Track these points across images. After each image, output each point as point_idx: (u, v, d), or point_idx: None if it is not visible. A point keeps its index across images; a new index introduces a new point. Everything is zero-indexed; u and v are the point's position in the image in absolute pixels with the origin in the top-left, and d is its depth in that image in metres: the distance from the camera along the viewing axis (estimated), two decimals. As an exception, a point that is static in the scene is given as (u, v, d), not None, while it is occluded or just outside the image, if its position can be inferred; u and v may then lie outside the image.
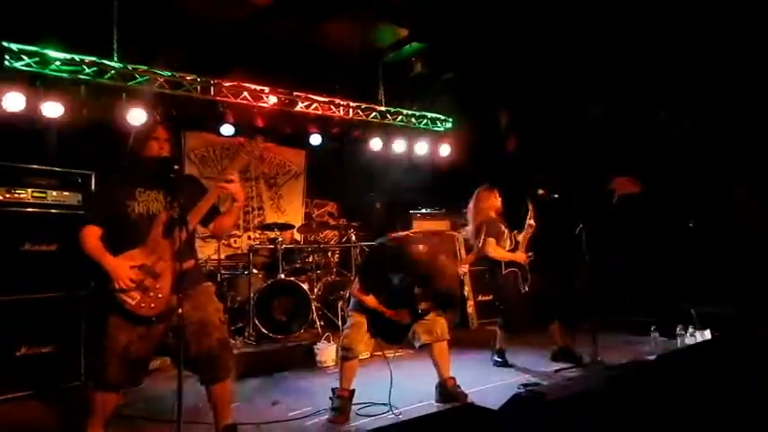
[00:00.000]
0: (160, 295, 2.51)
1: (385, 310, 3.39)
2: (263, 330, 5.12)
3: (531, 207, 4.49)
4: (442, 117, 7.45)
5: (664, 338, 4.79)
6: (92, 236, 2.57)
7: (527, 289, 4.39)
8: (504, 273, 4.42)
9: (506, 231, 4.52)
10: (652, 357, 3.90)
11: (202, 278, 2.82)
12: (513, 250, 4.47)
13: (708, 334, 4.51)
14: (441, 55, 6.69)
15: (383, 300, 3.41)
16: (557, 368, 4.28)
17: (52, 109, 4.87)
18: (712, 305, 4.81)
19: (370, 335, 3.40)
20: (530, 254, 4.52)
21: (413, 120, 7.21)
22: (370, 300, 3.39)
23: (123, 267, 2.48)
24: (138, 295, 2.48)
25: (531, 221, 4.49)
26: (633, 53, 5.61)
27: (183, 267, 2.50)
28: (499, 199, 4.62)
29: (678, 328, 4.64)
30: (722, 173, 5.29)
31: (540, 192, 4.46)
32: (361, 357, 3.41)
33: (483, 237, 4.41)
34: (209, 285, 2.82)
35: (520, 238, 4.51)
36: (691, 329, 4.59)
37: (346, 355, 3.34)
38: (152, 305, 2.49)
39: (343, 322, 5.43)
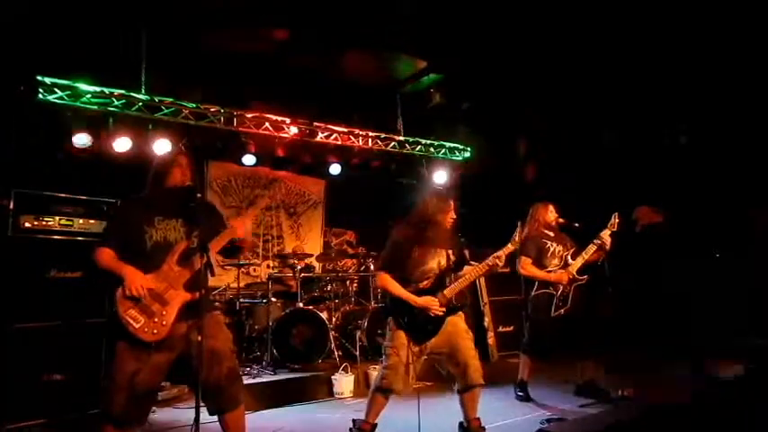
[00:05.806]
0: (164, 322, 2.50)
1: (415, 300, 3.17)
2: (281, 359, 5.09)
3: (612, 222, 4.07)
4: (461, 146, 7.47)
5: (696, 373, 4.61)
6: (106, 254, 2.60)
7: (562, 312, 4.09)
8: (534, 293, 4.19)
9: (555, 247, 4.25)
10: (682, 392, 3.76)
11: (212, 307, 2.83)
12: (561, 269, 4.15)
13: (741, 368, 4.33)
14: (459, 85, 6.76)
15: (412, 289, 3.21)
16: (581, 403, 4.13)
17: (81, 139, 5.02)
18: (745, 337, 4.64)
19: (405, 336, 3.18)
20: (581, 277, 4.13)
21: (431, 149, 7.25)
22: (397, 288, 3.20)
23: (139, 276, 2.50)
24: (142, 319, 2.47)
25: (600, 240, 4.04)
26: (653, 78, 5.59)
27: (195, 296, 2.53)
28: (553, 213, 4.37)
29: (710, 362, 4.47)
30: (744, 198, 5.17)
31: (561, 221, 4.38)
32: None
33: (519, 254, 4.21)
34: (219, 314, 2.82)
35: (571, 256, 4.17)
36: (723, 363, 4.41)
37: (385, 394, 3.18)
38: (155, 331, 2.47)
39: (361, 353, 5.40)
